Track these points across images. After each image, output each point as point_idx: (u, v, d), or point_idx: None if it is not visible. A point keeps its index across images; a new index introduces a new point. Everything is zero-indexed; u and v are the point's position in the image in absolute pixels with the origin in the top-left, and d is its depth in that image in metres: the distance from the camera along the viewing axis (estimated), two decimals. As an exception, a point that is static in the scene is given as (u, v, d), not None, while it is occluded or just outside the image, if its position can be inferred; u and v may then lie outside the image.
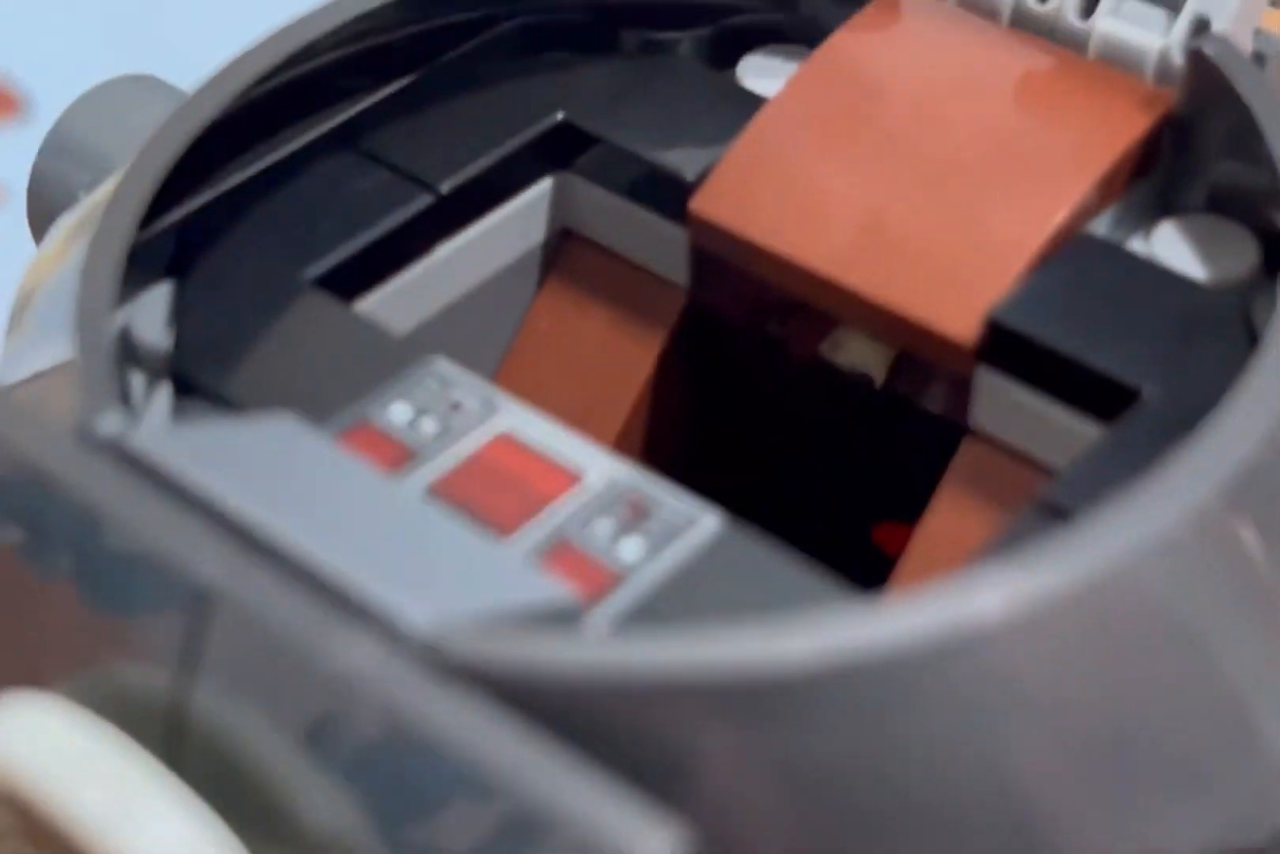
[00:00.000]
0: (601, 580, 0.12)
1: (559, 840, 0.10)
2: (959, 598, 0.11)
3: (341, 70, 0.16)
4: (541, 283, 0.17)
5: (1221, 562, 0.12)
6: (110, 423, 0.12)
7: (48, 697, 0.12)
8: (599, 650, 0.11)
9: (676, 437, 0.17)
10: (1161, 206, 0.16)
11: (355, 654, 0.11)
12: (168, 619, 0.12)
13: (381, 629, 0.11)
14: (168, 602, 0.12)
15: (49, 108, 0.33)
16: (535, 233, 0.17)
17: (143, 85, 0.18)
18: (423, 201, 0.16)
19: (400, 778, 0.11)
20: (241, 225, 0.15)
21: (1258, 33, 0.16)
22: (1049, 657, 0.11)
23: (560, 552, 0.13)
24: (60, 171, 0.17)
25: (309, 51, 0.15)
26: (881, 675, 0.11)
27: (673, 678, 0.11)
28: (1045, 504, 0.13)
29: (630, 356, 0.16)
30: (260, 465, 0.12)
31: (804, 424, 0.17)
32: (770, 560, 0.13)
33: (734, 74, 0.17)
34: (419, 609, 0.11)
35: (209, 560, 0.11)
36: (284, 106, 0.16)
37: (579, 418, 0.16)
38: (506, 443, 0.13)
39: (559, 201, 0.17)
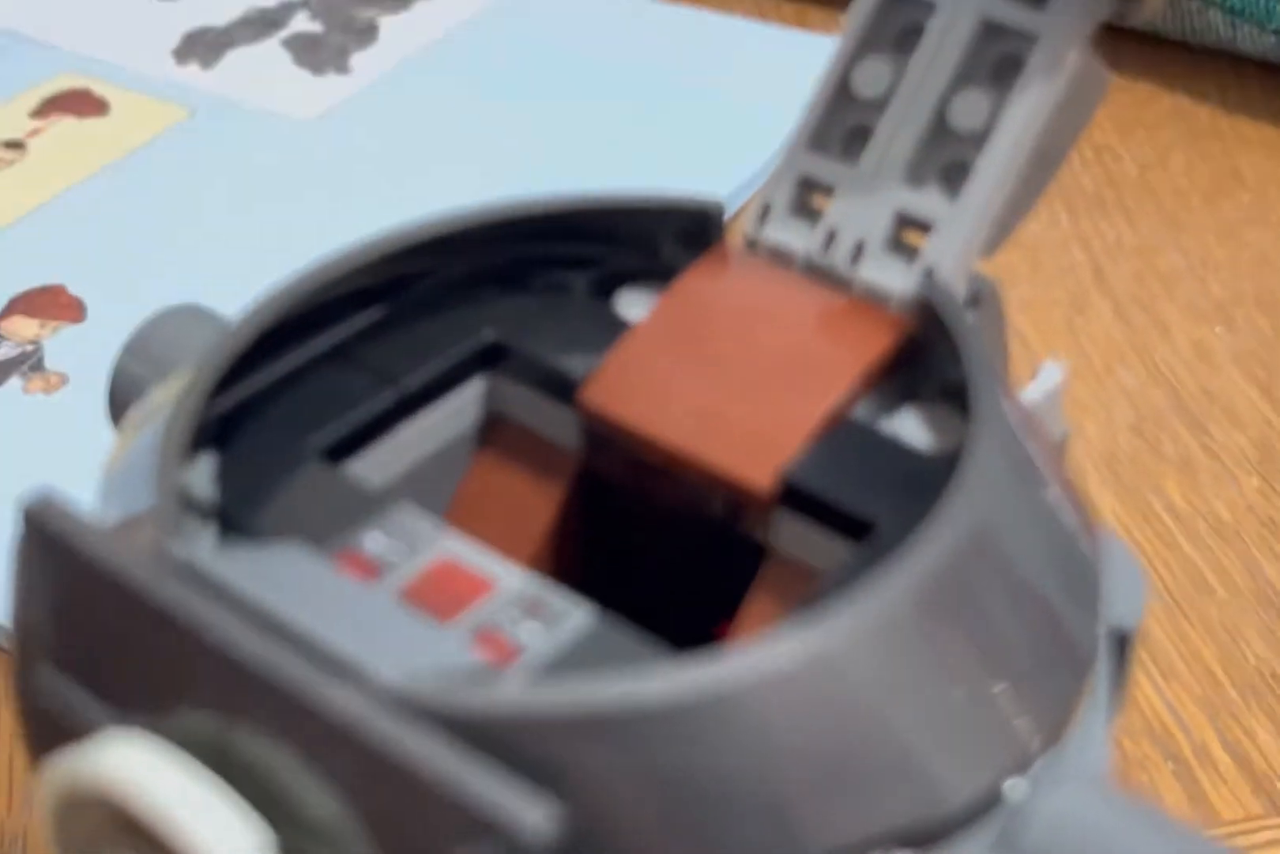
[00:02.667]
0: (509, 651, 0.16)
1: (473, 815, 0.13)
2: (723, 664, 0.14)
3: (335, 306, 0.19)
4: (478, 449, 0.20)
5: (906, 642, 0.14)
6: (180, 549, 0.16)
7: (135, 739, 0.15)
8: (507, 697, 0.14)
9: (574, 556, 0.19)
10: (908, 396, 0.18)
11: (339, 697, 0.14)
12: (220, 674, 0.15)
13: (361, 683, 0.14)
14: (216, 663, 0.15)
15: (102, 314, 0.35)
16: (471, 416, 0.19)
17: (194, 312, 0.21)
18: (391, 393, 0.18)
19: (369, 780, 0.14)
20: (266, 412, 0.18)
21: (974, 276, 0.20)
22: (785, 708, 0.14)
23: (482, 633, 0.16)
24: (134, 372, 0.20)
25: (312, 296, 0.18)
26: (682, 713, 0.14)
27: (556, 713, 0.14)
28: (807, 602, 0.16)
29: (539, 503, 0.19)
30: (280, 578, 0.15)
31: (668, 549, 0.19)
32: (622, 638, 0.16)
33: (611, 304, 0.20)
34: (388, 670, 0.14)
35: (246, 641, 0.15)
36: (296, 331, 0.19)
37: (502, 545, 0.19)
38: (447, 562, 0.17)
39: (490, 394, 0.19)
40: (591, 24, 0.43)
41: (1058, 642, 0.16)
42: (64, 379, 0.34)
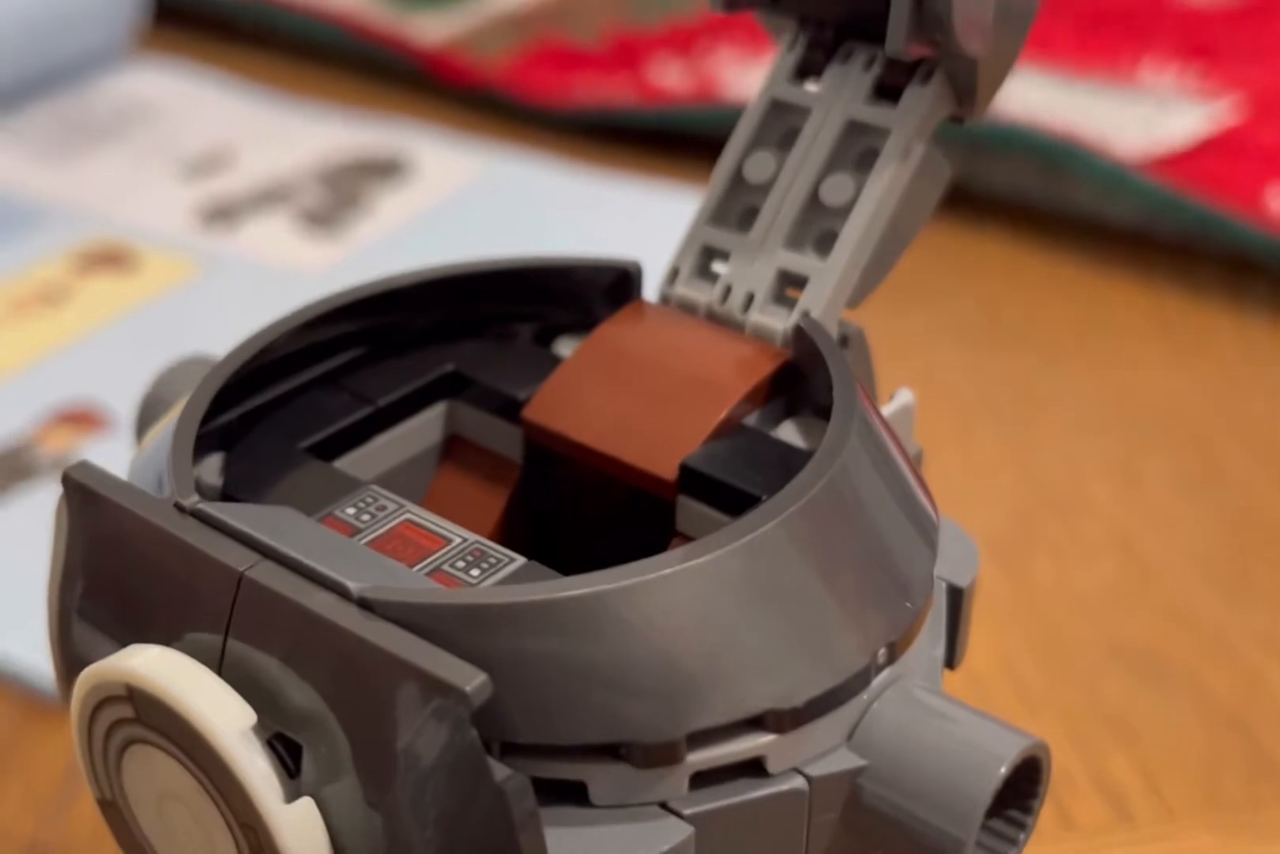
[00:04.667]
0: (456, 586, 0.18)
1: (427, 682, 0.15)
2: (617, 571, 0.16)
3: (323, 346, 0.21)
4: (440, 461, 0.22)
5: (769, 560, 0.16)
6: (191, 502, 0.18)
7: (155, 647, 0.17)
8: (449, 594, 0.16)
9: (517, 542, 0.21)
10: (790, 413, 0.20)
11: (320, 600, 0.16)
12: (220, 595, 0.17)
13: (337, 590, 0.16)
14: (220, 584, 0.17)
15: (126, 426, 0.38)
16: (434, 434, 0.21)
17: (204, 359, 0.23)
18: (368, 409, 0.20)
19: (341, 667, 0.16)
20: (263, 423, 0.20)
21: (842, 322, 0.22)
22: (663, 607, 0.16)
23: (435, 575, 0.18)
24: (156, 401, 0.23)
25: (295, 331, 0.20)
26: (582, 606, 0.16)
27: (487, 605, 0.16)
28: None
29: (489, 504, 0.21)
30: (273, 524, 0.17)
31: (595, 525, 0.21)
32: (548, 577, 0.18)
33: (552, 348, 0.22)
34: (356, 582, 0.17)
35: (243, 561, 0.17)
36: (289, 365, 0.21)
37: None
38: (409, 524, 0.19)
39: (449, 416, 0.21)
40: (555, 195, 0.47)
41: (902, 572, 0.18)
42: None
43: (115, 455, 0.33)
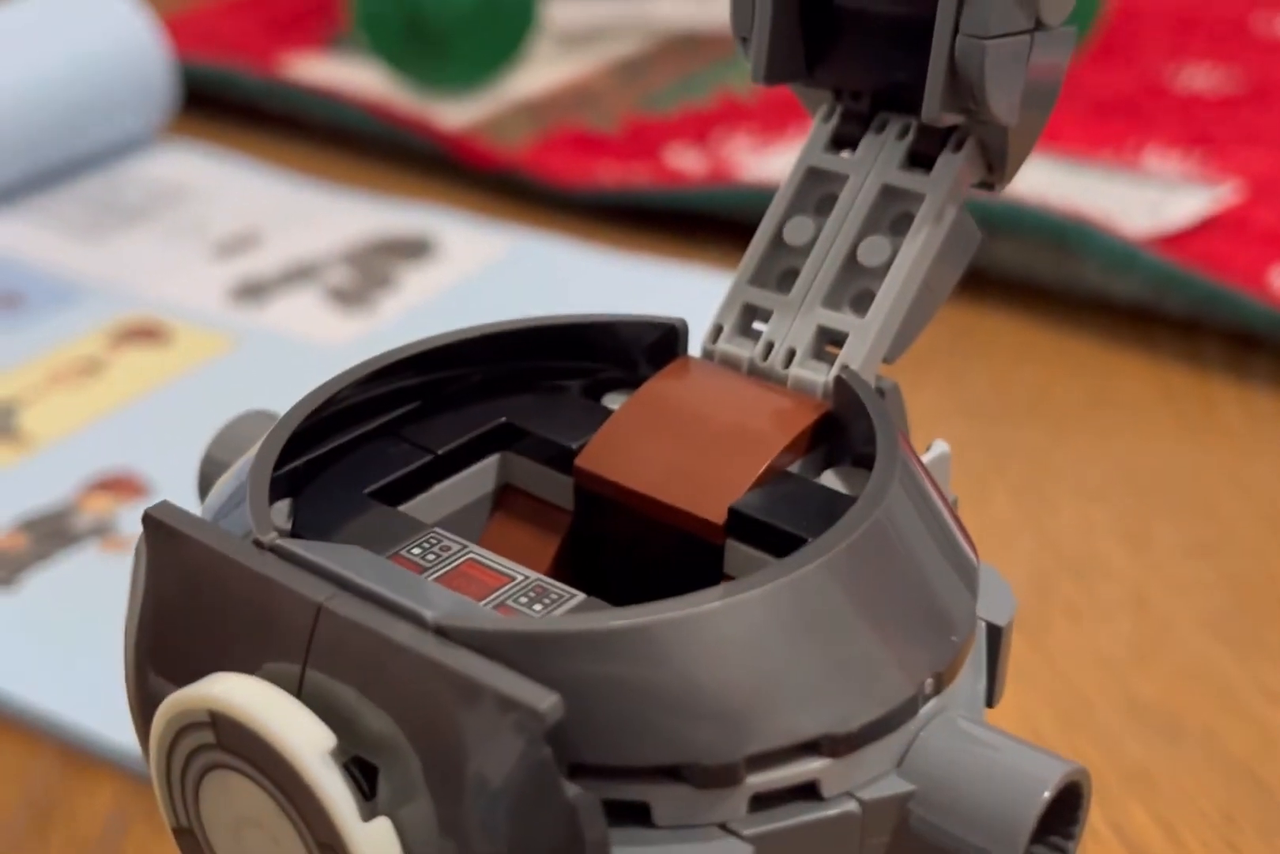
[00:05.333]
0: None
1: (502, 700, 0.16)
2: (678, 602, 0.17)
3: (384, 399, 0.22)
4: (493, 510, 0.22)
5: (817, 595, 0.17)
6: (269, 538, 0.18)
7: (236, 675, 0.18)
8: (521, 622, 0.17)
9: (568, 582, 0.21)
10: (831, 463, 0.21)
11: (397, 628, 0.17)
12: (299, 626, 0.18)
13: (413, 619, 0.17)
14: (299, 616, 0.18)
15: (164, 492, 0.38)
16: (488, 484, 0.22)
17: (264, 414, 0.24)
18: (426, 458, 0.21)
19: (417, 692, 0.17)
20: (330, 470, 0.21)
21: (879, 377, 0.23)
22: (720, 639, 0.17)
23: (501, 609, 0.19)
24: (218, 458, 0.23)
25: (357, 384, 0.21)
26: (645, 634, 0.17)
27: (555, 633, 0.17)
28: None
29: (541, 547, 0.22)
30: (346, 560, 0.18)
31: (644, 571, 0.22)
32: (608, 608, 0.18)
33: (602, 402, 0.23)
34: (431, 613, 0.17)
35: (321, 593, 0.18)
36: (353, 417, 0.22)
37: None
38: (473, 563, 0.20)
39: (502, 466, 0.22)
40: (576, 273, 0.48)
41: (944, 609, 0.18)
42: (132, 542, 0.36)
43: None
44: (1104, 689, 0.33)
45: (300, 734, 0.17)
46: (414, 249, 0.50)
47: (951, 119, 0.21)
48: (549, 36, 0.64)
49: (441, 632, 0.17)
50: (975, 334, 0.46)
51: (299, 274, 0.49)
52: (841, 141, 0.23)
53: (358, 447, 0.22)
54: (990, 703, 0.20)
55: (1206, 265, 0.45)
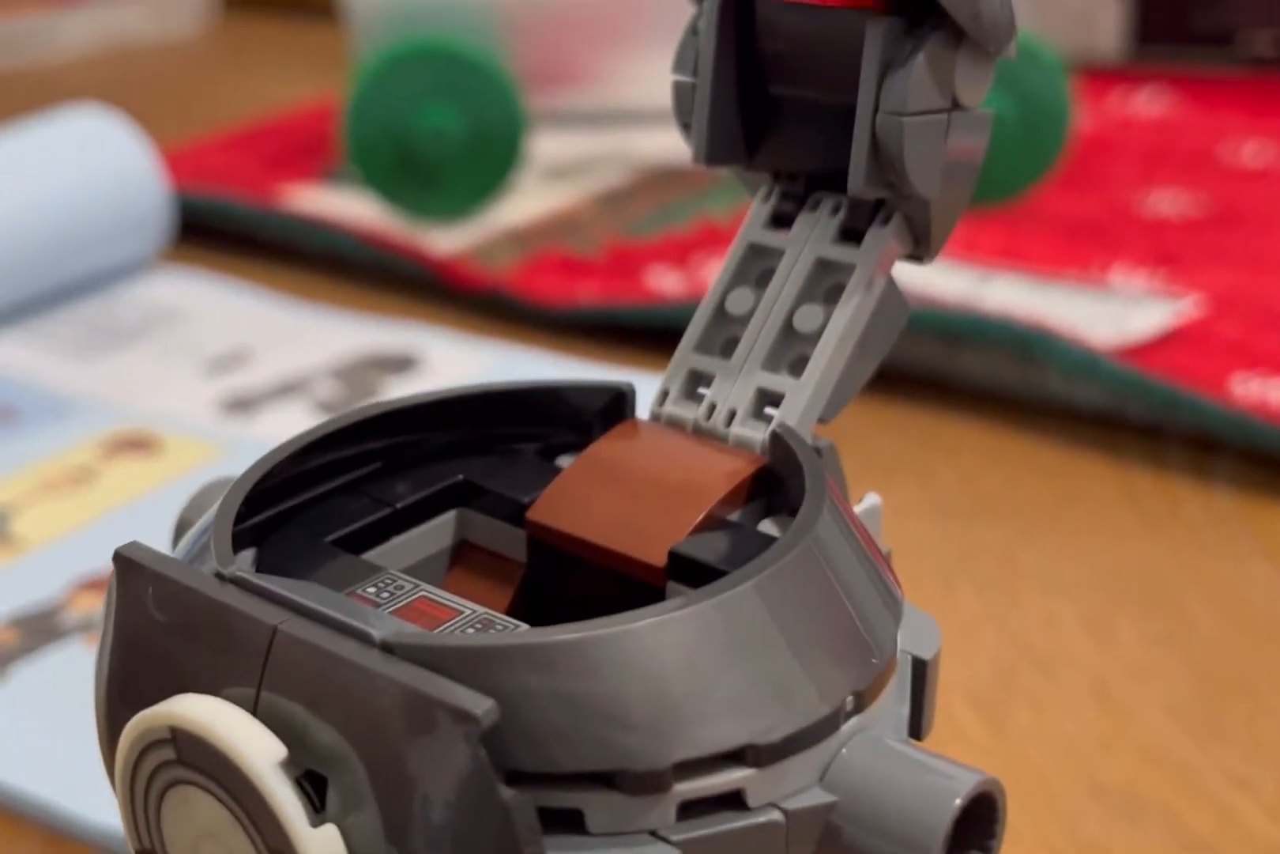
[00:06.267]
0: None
1: (440, 708, 0.17)
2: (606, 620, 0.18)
3: (345, 462, 0.23)
4: (449, 565, 0.23)
5: (743, 613, 0.19)
6: (231, 570, 0.20)
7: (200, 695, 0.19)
8: (462, 637, 0.18)
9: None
10: (768, 512, 0.22)
11: (345, 645, 0.18)
12: (254, 650, 0.19)
13: (360, 637, 0.18)
14: (255, 639, 0.19)
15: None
16: (445, 539, 0.23)
17: (228, 481, 0.25)
18: (386, 511, 0.22)
19: (362, 705, 0.18)
20: (292, 523, 0.22)
21: (815, 437, 0.24)
22: (644, 654, 0.18)
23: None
24: (190, 518, 0.25)
25: (314, 445, 0.23)
26: (575, 648, 0.18)
27: (492, 646, 0.18)
28: None
29: (496, 598, 0.23)
30: (304, 591, 0.19)
31: (590, 614, 0.21)
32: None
33: (555, 463, 0.24)
34: (378, 632, 0.18)
35: (276, 617, 0.19)
36: (316, 476, 0.23)
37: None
38: (424, 600, 0.21)
39: (459, 522, 0.23)
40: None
41: (867, 632, 0.20)
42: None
43: None
44: (1065, 771, 0.34)
45: (254, 746, 0.18)
46: (400, 364, 0.52)
47: (877, 193, 0.23)
48: (535, 169, 0.67)
49: (387, 648, 0.18)
50: (944, 438, 0.48)
51: (288, 388, 0.50)
52: (779, 219, 0.25)
53: (321, 502, 0.23)
54: (918, 735, 0.21)
55: (1169, 374, 0.46)
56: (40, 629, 0.38)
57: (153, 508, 0.43)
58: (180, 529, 0.24)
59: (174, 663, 0.19)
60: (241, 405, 0.49)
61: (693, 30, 0.24)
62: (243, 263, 0.61)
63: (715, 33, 0.24)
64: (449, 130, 0.61)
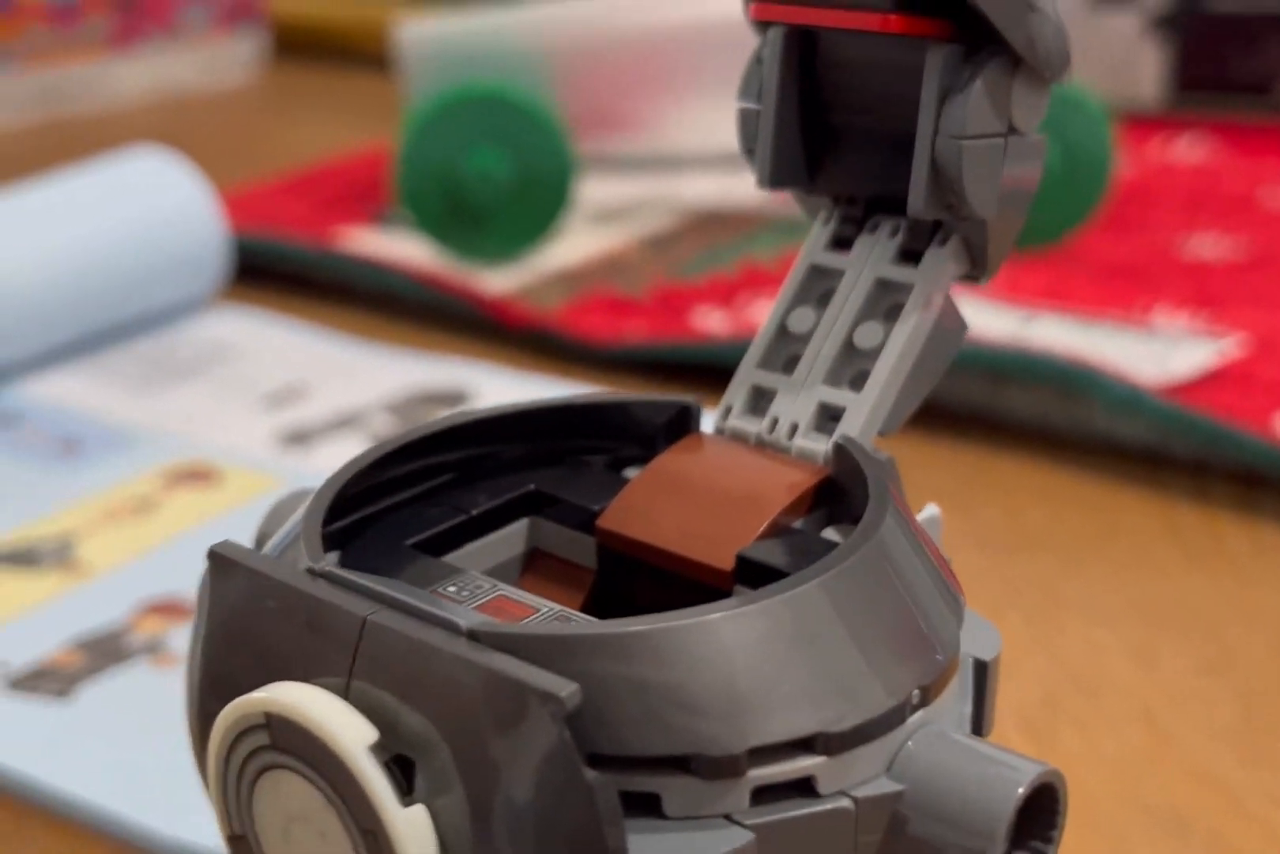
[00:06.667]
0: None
1: (524, 694, 0.18)
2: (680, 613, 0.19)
3: (422, 472, 0.24)
4: (521, 572, 0.24)
5: (811, 608, 0.19)
6: (321, 565, 0.21)
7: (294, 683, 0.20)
8: (548, 626, 0.19)
9: None
10: (830, 521, 0.23)
11: (433, 634, 0.19)
12: (345, 641, 0.20)
13: (448, 627, 0.19)
14: (346, 630, 0.20)
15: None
16: (518, 547, 0.24)
17: (305, 493, 0.26)
18: (461, 518, 0.23)
19: (450, 690, 0.19)
20: (372, 529, 0.24)
21: (875, 449, 0.25)
22: (719, 646, 0.19)
23: (528, 633, 0.21)
24: (270, 530, 0.26)
25: (393, 454, 0.24)
26: (651, 638, 0.19)
27: (575, 635, 0.19)
28: None
29: (569, 600, 0.23)
30: (390, 586, 0.21)
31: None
32: None
33: (622, 475, 0.25)
34: (465, 622, 0.19)
35: (366, 609, 0.20)
36: (395, 485, 0.25)
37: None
38: (503, 598, 0.22)
39: (531, 530, 0.24)
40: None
41: (931, 630, 0.20)
42: (180, 658, 0.38)
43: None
44: (1112, 792, 0.35)
45: (346, 729, 0.19)
46: (452, 399, 0.53)
47: (935, 215, 0.24)
48: (582, 212, 0.68)
49: (474, 637, 0.19)
50: (989, 473, 0.48)
51: (343, 422, 0.52)
52: (839, 241, 0.26)
53: (399, 509, 0.24)
54: (980, 733, 0.22)
55: (1212, 411, 0.47)
56: (106, 652, 0.39)
57: (212, 536, 0.44)
58: (260, 542, 0.25)
59: (266, 654, 0.20)
60: (298, 439, 0.50)
61: (757, 59, 0.25)
62: (297, 302, 0.62)
63: (779, 62, 0.25)
64: (498, 174, 0.63)
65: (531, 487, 0.25)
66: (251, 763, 0.20)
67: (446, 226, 0.64)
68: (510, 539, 0.25)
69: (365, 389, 0.54)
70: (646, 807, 0.19)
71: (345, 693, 0.19)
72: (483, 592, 0.22)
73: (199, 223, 0.58)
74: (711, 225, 0.70)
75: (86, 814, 0.33)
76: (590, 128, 0.71)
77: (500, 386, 0.54)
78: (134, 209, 0.57)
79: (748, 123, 0.25)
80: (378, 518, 0.24)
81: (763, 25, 0.25)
